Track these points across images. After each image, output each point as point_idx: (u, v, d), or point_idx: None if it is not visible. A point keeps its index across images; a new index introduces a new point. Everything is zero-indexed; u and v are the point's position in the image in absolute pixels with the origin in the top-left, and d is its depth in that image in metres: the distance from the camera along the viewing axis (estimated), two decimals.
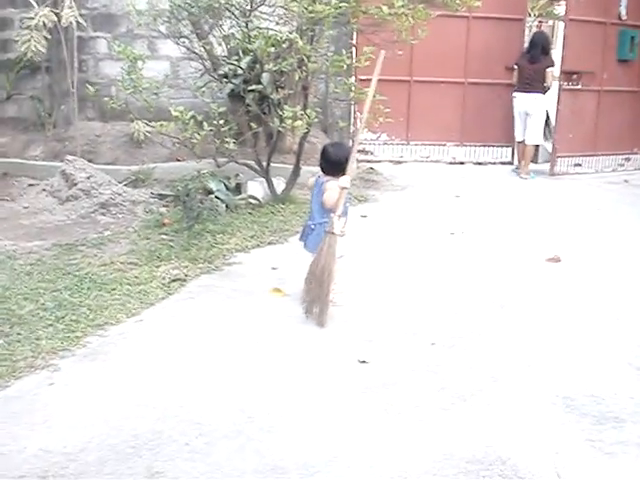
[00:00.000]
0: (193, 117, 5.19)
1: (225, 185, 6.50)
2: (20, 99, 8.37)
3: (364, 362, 3.53)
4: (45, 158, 7.75)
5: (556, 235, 6.02)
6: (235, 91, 6.65)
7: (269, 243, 5.56)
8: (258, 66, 6.01)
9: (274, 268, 4.96)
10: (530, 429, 2.97)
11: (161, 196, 6.80)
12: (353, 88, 5.65)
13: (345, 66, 5.52)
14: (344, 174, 4.15)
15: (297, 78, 5.52)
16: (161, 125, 5.24)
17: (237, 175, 6.68)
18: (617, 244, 5.85)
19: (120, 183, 7.02)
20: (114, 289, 4.50)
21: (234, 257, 5.21)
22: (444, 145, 9.02)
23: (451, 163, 9.01)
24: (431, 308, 4.32)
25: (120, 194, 6.52)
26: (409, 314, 4.21)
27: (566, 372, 3.50)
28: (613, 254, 5.56)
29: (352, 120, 8.64)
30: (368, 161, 8.76)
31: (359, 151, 8.79)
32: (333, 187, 4.09)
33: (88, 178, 6.49)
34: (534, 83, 8.35)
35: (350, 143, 8.42)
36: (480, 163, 9.13)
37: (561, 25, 10.99)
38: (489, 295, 4.57)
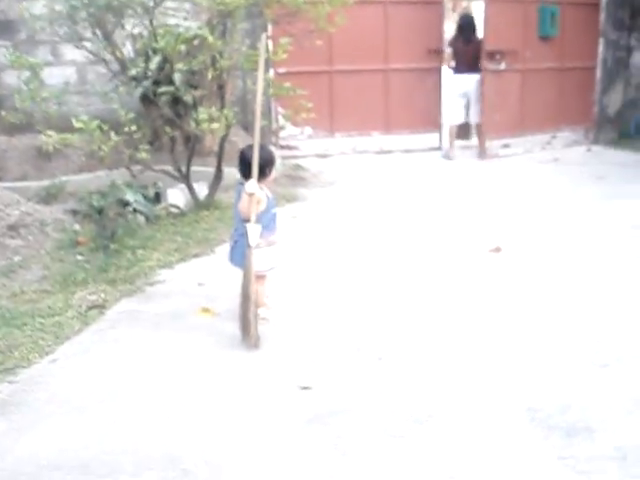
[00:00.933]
0: (99, 127, 4.75)
1: (143, 195, 6.05)
2: None
3: (306, 388, 3.20)
4: None
5: (494, 223, 5.82)
6: (146, 94, 6.21)
7: (194, 256, 5.17)
8: (168, 66, 5.59)
9: (201, 284, 4.58)
10: (497, 451, 2.69)
11: (74, 212, 6.32)
12: (270, 83, 5.28)
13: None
14: (264, 179, 3.82)
15: (210, 77, 5.13)
16: (63, 138, 4.79)
17: (155, 183, 6.25)
18: (554, 228, 5.68)
19: (30, 201, 6.53)
20: (25, 324, 4.06)
21: (157, 275, 4.81)
22: (370, 135, 8.74)
23: (378, 153, 8.74)
24: (373, 318, 4.02)
25: (30, 214, 6.00)
26: (350, 326, 3.90)
27: (526, 379, 3.25)
28: (553, 239, 5.38)
29: (273, 116, 8.27)
30: (294, 157, 8.42)
31: (283, 147, 8.48)
32: (244, 194, 3.76)
33: None
34: (472, 64, 8.44)
35: (273, 142, 8.15)
36: (408, 151, 8.89)
37: (476, 5, 10.85)
38: (432, 297, 4.31)
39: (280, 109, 8.41)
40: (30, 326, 4.02)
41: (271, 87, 5.39)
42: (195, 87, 5.35)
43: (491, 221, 5.87)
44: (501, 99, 8.48)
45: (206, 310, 4.10)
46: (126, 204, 5.97)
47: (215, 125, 4.65)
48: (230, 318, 3.89)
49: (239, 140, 7.74)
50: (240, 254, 3.80)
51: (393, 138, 8.88)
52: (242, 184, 3.79)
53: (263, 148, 3.87)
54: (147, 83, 6.03)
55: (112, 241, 4.95)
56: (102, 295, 4.44)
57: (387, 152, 8.77)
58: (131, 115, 5.04)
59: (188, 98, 5.19)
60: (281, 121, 8.37)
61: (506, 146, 8.78)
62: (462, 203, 6.50)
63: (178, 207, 6.15)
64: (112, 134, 4.85)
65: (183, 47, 5.27)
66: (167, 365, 3.52)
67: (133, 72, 6.07)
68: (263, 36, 3.82)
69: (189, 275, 4.78)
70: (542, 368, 3.35)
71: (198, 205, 6.24)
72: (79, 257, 5.16)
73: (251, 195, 3.70)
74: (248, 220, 3.73)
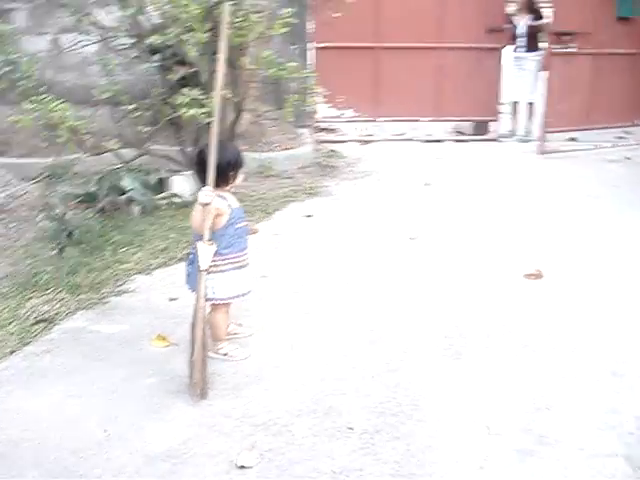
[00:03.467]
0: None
1: (142, 183, 5.38)
2: None
3: (242, 467, 2.47)
4: None
5: (544, 238, 4.90)
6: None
7: (180, 259, 4.46)
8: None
9: (173, 299, 3.89)
10: None
11: (73, 196, 5.72)
12: (272, 61, 4.49)
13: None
14: (227, 184, 3.10)
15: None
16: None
17: (157, 169, 5.57)
18: (615, 253, 4.72)
19: (30, 180, 5.97)
20: None
21: (129, 282, 4.15)
22: (418, 120, 7.84)
23: (426, 141, 7.85)
24: (370, 358, 3.24)
25: (18, 196, 5.45)
26: (335, 371, 3.14)
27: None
28: (611, 269, 4.44)
29: (311, 96, 7.46)
30: (330, 142, 7.62)
31: (319, 130, 7.70)
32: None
33: None
34: (530, 42, 7.87)
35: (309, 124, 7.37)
36: (460, 140, 7.98)
37: None
38: (454, 330, 3.49)
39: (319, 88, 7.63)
40: None
41: (273, 66, 4.56)
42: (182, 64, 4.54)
43: (541, 235, 4.95)
44: (568, 86, 7.44)
45: (162, 338, 3.40)
46: (123, 192, 5.32)
47: (195, 111, 3.88)
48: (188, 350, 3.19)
49: (269, 123, 7.03)
50: (194, 276, 3.07)
51: (443, 125, 7.98)
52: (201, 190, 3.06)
53: (225, 146, 3.13)
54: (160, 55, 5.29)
55: (69, 242, 4.24)
56: (57, 305, 3.82)
57: (436, 140, 7.88)
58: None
59: (171, 77, 4.43)
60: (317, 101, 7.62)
61: (572, 140, 7.76)
62: (507, 209, 5.58)
63: (181, 197, 5.47)
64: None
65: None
66: (87, 416, 2.83)
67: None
68: (226, 5, 3.05)
69: (164, 285, 4.10)
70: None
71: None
72: (56, 252, 4.53)
73: (205, 206, 2.96)
74: (201, 236, 3.00)
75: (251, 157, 6.34)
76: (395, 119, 7.81)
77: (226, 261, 3.10)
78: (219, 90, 3.15)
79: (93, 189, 5.44)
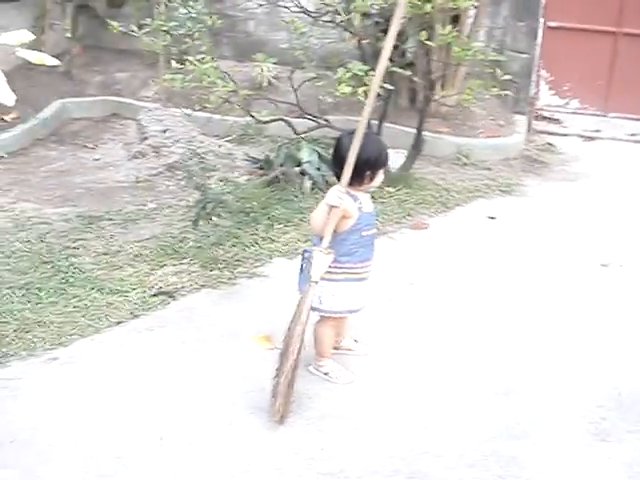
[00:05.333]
0: None
1: (320, 155, 5.03)
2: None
3: None
4: (157, 100, 6.75)
5: None
6: None
7: None
8: None
9: None
10: None
11: (255, 160, 5.55)
12: (454, 42, 3.87)
13: None
14: (361, 184, 2.64)
15: None
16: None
17: None
18: None
19: (223, 138, 5.90)
20: (76, 297, 3.38)
21: (269, 264, 3.87)
22: None
23: None
24: (493, 418, 2.68)
25: (200, 154, 5.34)
26: (442, 425, 2.61)
27: None
28: None
29: (533, 81, 6.69)
30: (549, 133, 6.78)
31: (543, 118, 6.89)
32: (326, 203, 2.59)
33: (164, 132, 5.40)
34: None
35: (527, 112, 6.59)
36: None
37: None
38: None
39: (544, 72, 6.82)
40: (77, 302, 3.35)
41: (456, 46, 3.94)
42: None
43: None
44: None
45: (266, 339, 3.06)
46: (299, 163, 5.03)
47: (351, 89, 3.41)
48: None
49: (478, 107, 6.34)
50: (305, 278, 2.67)
51: None
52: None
53: (369, 140, 2.66)
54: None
55: (208, 216, 4.00)
56: (185, 278, 3.63)
57: None
58: None
59: None
60: (542, 88, 6.83)
61: None
62: None
63: None
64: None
65: None
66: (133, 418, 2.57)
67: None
68: None
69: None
70: None
71: (386, 178, 5.08)
72: (214, 218, 4.34)
73: (332, 208, 2.53)
74: (321, 240, 2.59)
75: (448, 141, 5.79)
76: (629, 116, 6.76)
77: (342, 270, 2.68)
78: (381, 69, 2.67)
79: (272, 156, 5.22)
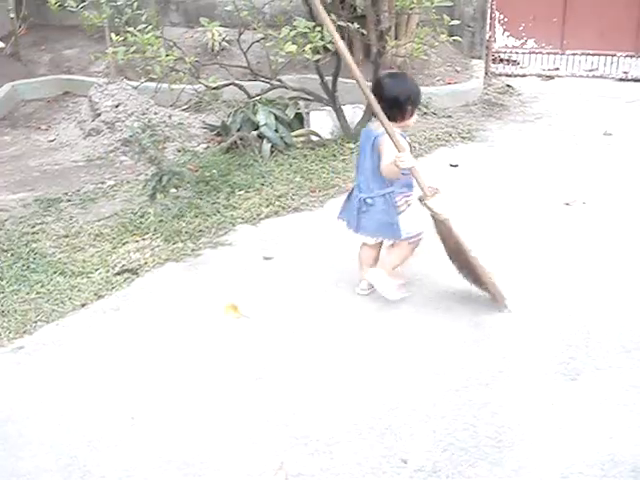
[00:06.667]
0: None
1: (276, 117, 4.96)
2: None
3: None
4: (108, 74, 6.60)
5: None
6: None
7: (295, 209, 4.08)
8: None
9: (267, 258, 3.51)
10: None
11: (212, 127, 5.47)
12: None
13: None
14: (403, 120, 2.93)
15: None
16: None
17: (296, 103, 5.12)
18: None
19: (178, 108, 5.81)
20: (39, 282, 3.33)
21: (232, 231, 3.84)
22: (613, 55, 6.71)
23: (622, 80, 6.71)
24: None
25: (156, 125, 5.25)
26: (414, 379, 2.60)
27: None
28: None
29: (487, 22, 6.62)
30: (508, 75, 6.75)
31: (500, 61, 6.85)
32: (390, 150, 2.82)
33: (116, 107, 5.29)
34: None
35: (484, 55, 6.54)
36: None
37: None
38: None
39: (498, 14, 6.76)
40: (40, 287, 3.30)
41: None
42: None
43: None
44: None
45: (233, 308, 3.03)
46: (256, 127, 4.96)
47: (295, 48, 3.35)
48: (257, 328, 2.83)
49: (434, 54, 6.28)
50: (376, 221, 3.01)
51: None
52: (372, 129, 3.00)
53: (405, 78, 3.08)
54: None
55: (161, 189, 3.93)
56: (148, 254, 3.59)
57: (634, 80, 6.71)
58: None
59: None
60: (497, 30, 6.78)
61: None
62: None
63: (318, 135, 5.02)
64: None
65: None
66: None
67: None
68: None
69: (265, 240, 3.73)
70: None
71: (347, 134, 5.05)
72: (174, 190, 4.28)
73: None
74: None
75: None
76: (586, 52, 6.73)
77: (404, 200, 3.01)
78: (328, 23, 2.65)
79: (228, 122, 5.14)
